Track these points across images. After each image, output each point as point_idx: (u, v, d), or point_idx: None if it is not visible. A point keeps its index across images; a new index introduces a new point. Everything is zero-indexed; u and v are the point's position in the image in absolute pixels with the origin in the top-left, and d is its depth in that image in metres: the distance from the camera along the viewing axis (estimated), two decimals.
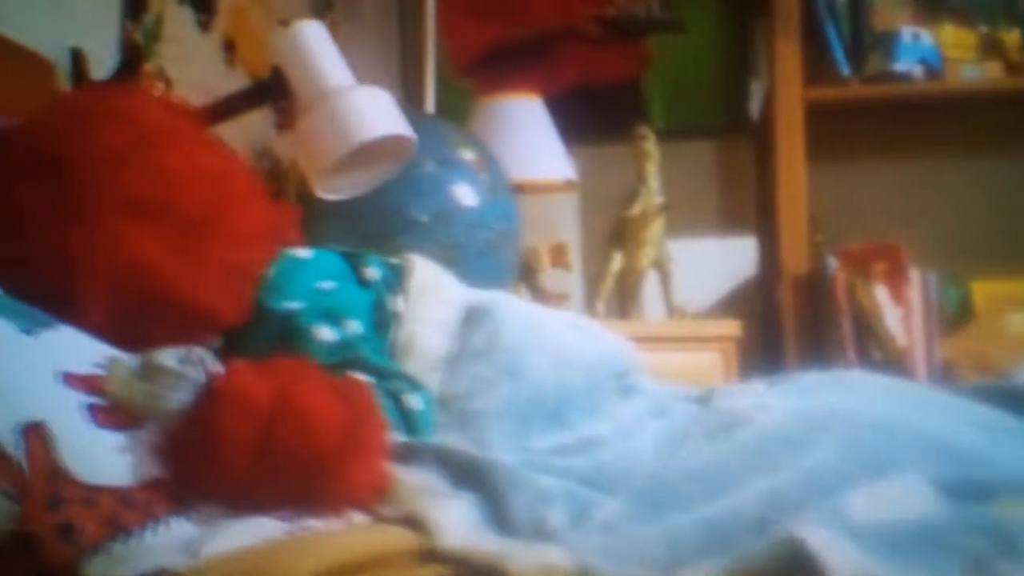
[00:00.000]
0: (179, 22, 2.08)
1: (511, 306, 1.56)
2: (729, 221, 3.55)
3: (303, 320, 1.40)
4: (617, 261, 3.18)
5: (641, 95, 3.51)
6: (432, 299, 1.53)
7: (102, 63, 1.83)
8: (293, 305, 1.42)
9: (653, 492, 1.19)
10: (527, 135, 3.22)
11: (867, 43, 3.24)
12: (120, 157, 1.31)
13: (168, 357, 1.16)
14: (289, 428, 1.13)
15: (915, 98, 3.22)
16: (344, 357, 1.38)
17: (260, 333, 1.38)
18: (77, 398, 1.09)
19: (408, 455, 1.24)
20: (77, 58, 1.74)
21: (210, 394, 1.16)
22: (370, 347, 1.42)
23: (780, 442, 1.20)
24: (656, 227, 3.14)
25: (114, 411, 1.10)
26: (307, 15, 2.70)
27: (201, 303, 1.30)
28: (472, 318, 1.53)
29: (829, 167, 3.28)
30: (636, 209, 3.13)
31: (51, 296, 1.20)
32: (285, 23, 1.79)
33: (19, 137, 1.33)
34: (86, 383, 1.11)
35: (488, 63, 3.47)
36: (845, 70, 3.21)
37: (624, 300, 3.25)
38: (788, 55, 3.20)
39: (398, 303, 1.51)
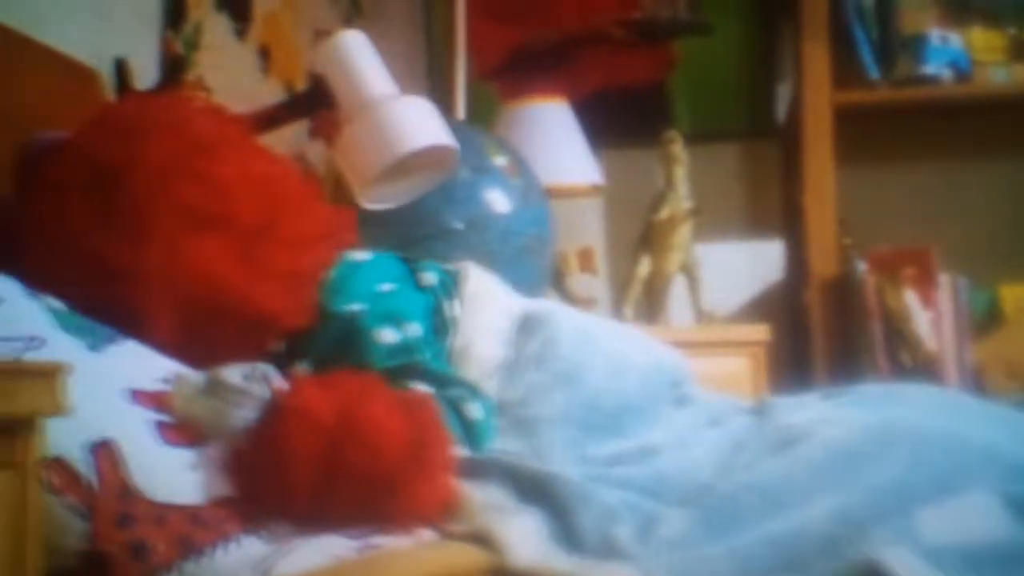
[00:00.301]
0: (217, 30, 2.08)
1: (564, 315, 1.56)
2: (755, 224, 3.54)
3: (365, 322, 1.40)
4: (645, 265, 3.17)
5: (666, 98, 3.50)
6: (487, 307, 1.53)
7: (144, 72, 1.83)
8: (355, 307, 1.42)
9: (718, 507, 1.19)
10: (554, 139, 3.22)
11: (895, 46, 3.23)
12: (175, 168, 1.31)
13: (233, 374, 1.16)
14: (354, 445, 1.13)
15: (944, 101, 3.21)
16: (404, 360, 1.38)
17: (322, 336, 1.38)
18: (145, 415, 1.09)
19: (474, 470, 1.24)
20: (121, 68, 1.74)
21: (275, 411, 1.15)
22: (430, 352, 1.42)
23: (847, 457, 1.19)
24: (684, 231, 3.14)
25: (181, 428, 1.10)
26: (337, 21, 2.70)
27: (264, 308, 1.30)
28: (527, 326, 1.53)
29: (857, 170, 3.27)
30: (664, 213, 3.12)
31: (114, 311, 1.19)
32: (327, 33, 1.78)
33: (71, 150, 1.32)
34: (153, 400, 1.11)
35: (512, 67, 3.46)
36: (874, 73, 3.20)
37: (651, 305, 3.25)
38: (816, 58, 3.19)
39: (455, 308, 1.51)
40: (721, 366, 3.02)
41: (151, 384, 1.12)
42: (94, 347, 1.12)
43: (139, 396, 1.11)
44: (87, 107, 1.60)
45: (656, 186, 3.16)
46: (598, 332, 1.53)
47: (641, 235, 3.18)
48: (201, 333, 1.26)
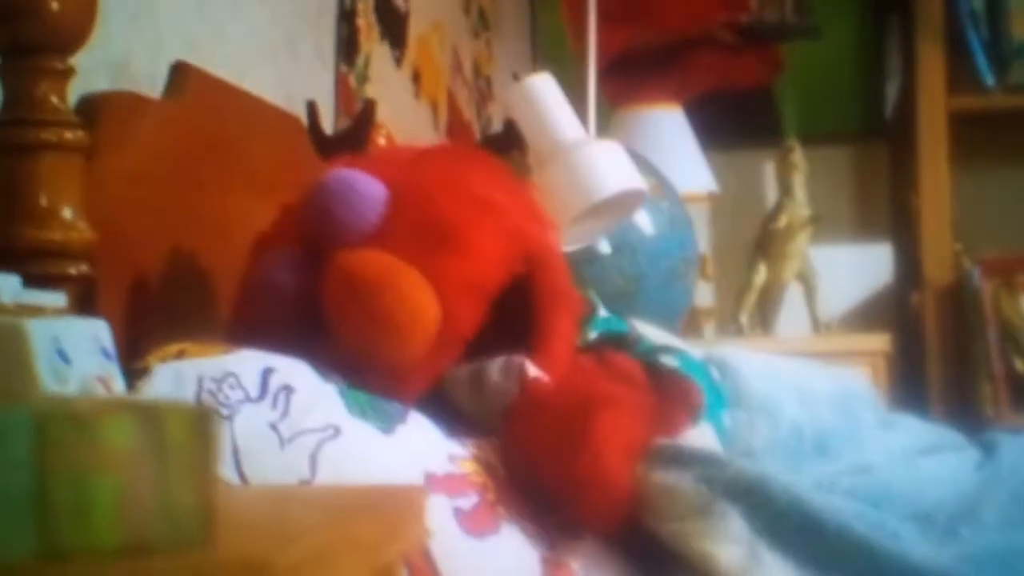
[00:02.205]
0: (381, 60, 2.08)
1: (743, 355, 1.58)
2: (863, 228, 3.55)
3: None
4: (761, 273, 3.17)
5: (774, 101, 3.49)
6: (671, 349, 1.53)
7: (322, 111, 1.82)
8: None
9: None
10: (668, 146, 3.22)
11: (1008, 51, 3.21)
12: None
13: (492, 368, 1.20)
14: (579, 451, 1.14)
15: None
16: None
17: None
18: (444, 502, 1.09)
19: (674, 460, 1.21)
20: (311, 110, 1.73)
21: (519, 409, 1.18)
22: None
23: None
24: (801, 239, 3.13)
25: (478, 515, 1.10)
26: (468, 35, 2.69)
27: None
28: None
29: (970, 175, 3.26)
30: (782, 221, 3.11)
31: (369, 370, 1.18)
32: (517, 77, 1.78)
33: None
34: (448, 484, 1.11)
35: (618, 70, 3.44)
36: (989, 79, 3.18)
37: (765, 313, 3.25)
38: (931, 63, 3.19)
39: None
40: None
41: (442, 466, 1.13)
42: (386, 430, 1.12)
43: (435, 482, 1.11)
44: (298, 157, 1.60)
45: (763, 190, 3.15)
46: (779, 366, 1.54)
47: (757, 242, 3.18)
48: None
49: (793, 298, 3.27)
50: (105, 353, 0.86)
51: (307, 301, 1.18)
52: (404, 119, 2.20)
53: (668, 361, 1.35)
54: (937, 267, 3.22)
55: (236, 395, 1.07)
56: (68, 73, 1.04)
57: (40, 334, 0.80)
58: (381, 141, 1.89)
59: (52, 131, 1.02)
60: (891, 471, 1.38)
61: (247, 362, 1.10)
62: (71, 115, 1.04)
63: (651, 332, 1.56)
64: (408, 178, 1.26)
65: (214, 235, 1.32)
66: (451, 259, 1.21)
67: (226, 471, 1.03)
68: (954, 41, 3.21)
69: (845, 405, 1.46)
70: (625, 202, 1.83)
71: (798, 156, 3.10)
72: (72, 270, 1.04)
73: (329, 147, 1.76)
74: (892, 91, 3.51)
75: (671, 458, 1.19)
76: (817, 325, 3.18)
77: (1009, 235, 3.33)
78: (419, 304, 1.17)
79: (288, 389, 1.09)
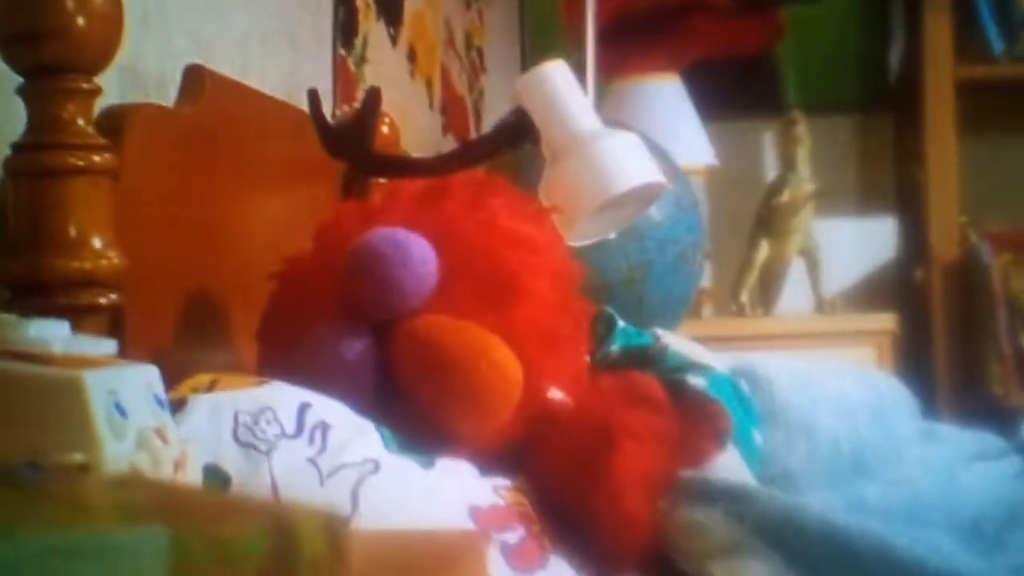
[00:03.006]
0: (378, 40, 2.08)
1: (774, 363, 1.58)
2: (866, 200, 3.55)
3: None
4: (763, 250, 3.18)
5: (774, 69, 3.50)
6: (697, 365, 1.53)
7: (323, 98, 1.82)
8: None
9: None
10: (666, 119, 3.22)
11: (1017, 18, 3.22)
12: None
13: None
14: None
15: None
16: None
17: None
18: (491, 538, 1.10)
19: (702, 494, 1.21)
20: (313, 99, 1.73)
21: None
22: None
23: None
24: (805, 215, 3.15)
25: (525, 550, 1.11)
26: (460, 6, 2.68)
27: None
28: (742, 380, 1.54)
29: (976, 145, 3.28)
30: (785, 196, 3.13)
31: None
32: (529, 66, 1.79)
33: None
34: (493, 519, 1.12)
35: (611, 38, 3.44)
36: (998, 47, 3.19)
37: (766, 291, 3.26)
38: (939, 32, 3.20)
39: None
40: (843, 358, 3.04)
41: (486, 498, 1.13)
42: (425, 464, 1.13)
43: (479, 515, 1.11)
44: (310, 155, 1.60)
45: (763, 162, 3.16)
46: (812, 374, 1.54)
47: (758, 218, 3.20)
48: None
49: (794, 275, 3.29)
50: (159, 401, 0.86)
51: (379, 374, 1.19)
52: (400, 99, 2.20)
53: (694, 381, 1.35)
54: (944, 242, 3.24)
55: (273, 430, 1.07)
56: (95, 93, 1.04)
57: (97, 388, 0.80)
58: (384, 129, 1.88)
59: (80, 155, 1.02)
60: (931, 484, 1.39)
61: (283, 397, 1.10)
62: (99, 137, 1.03)
63: (676, 342, 1.56)
64: (445, 227, 1.26)
65: (235, 250, 1.31)
66: (516, 310, 1.22)
67: None
68: (961, 7, 3.22)
69: (882, 416, 1.46)
70: (643, 195, 1.84)
71: (802, 129, 3.11)
72: (103, 300, 1.03)
73: (335, 139, 1.76)
74: (895, 57, 3.52)
75: (698, 492, 1.19)
76: (821, 304, 3.20)
77: (1018, 208, 3.35)
78: (509, 371, 1.17)
79: (324, 425, 1.10)
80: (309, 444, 1.08)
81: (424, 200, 1.32)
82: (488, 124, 2.87)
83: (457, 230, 1.26)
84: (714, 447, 1.26)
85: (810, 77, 3.51)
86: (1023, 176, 3.44)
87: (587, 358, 1.41)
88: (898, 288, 3.50)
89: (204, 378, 1.10)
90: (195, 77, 1.30)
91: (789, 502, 1.19)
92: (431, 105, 2.41)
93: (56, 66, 1.02)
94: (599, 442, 1.18)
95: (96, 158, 1.03)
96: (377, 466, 1.10)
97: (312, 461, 1.08)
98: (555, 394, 1.25)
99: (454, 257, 1.23)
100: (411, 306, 1.21)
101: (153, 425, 0.84)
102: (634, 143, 1.81)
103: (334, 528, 0.51)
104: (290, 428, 1.08)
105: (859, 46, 3.55)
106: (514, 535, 1.13)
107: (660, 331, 1.60)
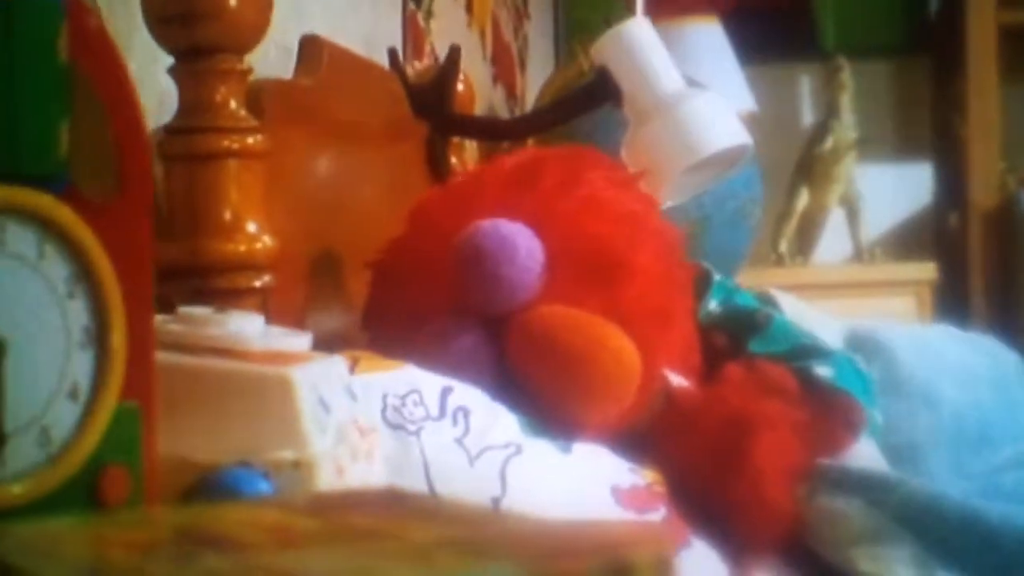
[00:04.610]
0: None
1: (893, 329, 1.59)
2: (903, 147, 3.57)
3: None
4: (804, 198, 3.21)
5: (811, 12, 3.50)
6: (815, 328, 1.55)
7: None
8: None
9: None
10: (707, 64, 3.22)
11: None
12: None
13: None
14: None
15: None
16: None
17: None
18: (634, 518, 1.13)
19: (841, 483, 1.24)
20: (393, 57, 1.74)
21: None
22: None
23: None
24: (847, 163, 3.17)
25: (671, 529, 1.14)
26: None
27: None
28: (861, 348, 1.56)
29: (1017, 92, 3.30)
30: (828, 144, 3.15)
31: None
32: (610, 22, 1.80)
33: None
34: (636, 499, 1.14)
35: None
36: None
37: (804, 240, 3.29)
38: None
39: None
40: (882, 308, 3.08)
41: (626, 479, 1.16)
42: (563, 448, 1.15)
43: (622, 496, 1.14)
44: (403, 118, 1.60)
45: (799, 108, 3.17)
46: (933, 343, 1.56)
47: (798, 166, 3.22)
48: None
49: (831, 223, 3.31)
50: (350, 393, 0.88)
51: (493, 368, 1.21)
52: (463, 53, 2.20)
53: (821, 371, 1.36)
54: (983, 190, 3.27)
55: (419, 412, 1.10)
56: (246, 74, 1.05)
57: (304, 384, 0.82)
58: (460, 87, 1.89)
59: (234, 138, 1.03)
60: None
61: (428, 379, 1.12)
62: (251, 120, 1.05)
63: (785, 302, 1.58)
64: (543, 210, 1.27)
65: (354, 223, 1.33)
66: (625, 289, 1.23)
67: (417, 485, 1.06)
68: None
69: (1003, 385, 1.49)
70: (728, 156, 1.86)
71: (846, 75, 3.13)
72: (256, 282, 1.05)
73: (419, 100, 1.77)
74: (936, 1, 3.54)
75: (837, 481, 1.21)
76: (860, 253, 3.23)
77: None
78: (628, 359, 1.19)
79: (465, 409, 1.12)
80: (453, 426, 1.11)
81: (518, 181, 1.32)
82: (531, 72, 2.88)
83: (556, 212, 1.27)
84: (848, 438, 1.28)
85: (848, 20, 3.52)
86: None
87: (694, 324, 1.43)
88: (935, 236, 3.53)
89: (346, 357, 1.12)
90: (313, 48, 1.31)
91: (930, 490, 1.21)
92: (484, 56, 2.42)
93: (209, 47, 1.03)
94: (737, 431, 1.20)
95: (250, 140, 1.04)
96: (519, 448, 1.12)
97: (459, 442, 1.10)
98: (674, 378, 1.27)
99: (557, 242, 1.24)
100: (521, 301, 1.22)
101: (349, 418, 0.87)
102: (719, 104, 1.83)
103: (666, 565, 0.53)
104: (434, 411, 1.11)
105: None
106: (657, 516, 1.15)
107: (769, 293, 1.61)
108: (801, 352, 1.41)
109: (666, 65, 1.80)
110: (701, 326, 1.49)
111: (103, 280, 0.69)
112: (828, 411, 1.29)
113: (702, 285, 1.65)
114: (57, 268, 0.69)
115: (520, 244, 1.22)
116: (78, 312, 0.69)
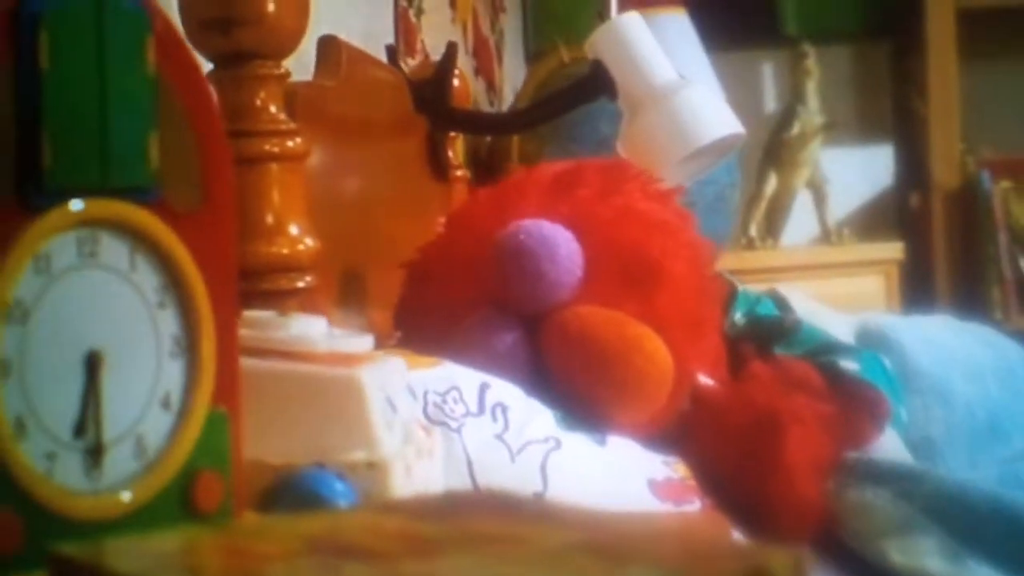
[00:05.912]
0: None
1: (900, 323, 1.59)
2: (864, 129, 3.58)
3: None
4: (772, 183, 3.22)
5: None
6: (826, 323, 1.55)
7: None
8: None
9: None
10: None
11: None
12: None
13: None
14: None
15: None
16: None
17: None
18: (671, 511, 1.13)
19: (869, 475, 1.25)
20: (391, 54, 1.73)
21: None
22: None
23: None
24: (814, 147, 3.19)
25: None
26: None
27: None
28: (871, 344, 1.56)
29: (976, 73, 3.32)
30: (794, 129, 3.16)
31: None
32: (604, 17, 1.79)
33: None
34: (672, 492, 1.14)
35: None
36: None
37: (773, 223, 3.30)
38: None
39: None
40: (850, 287, 3.09)
41: (660, 472, 1.16)
42: (599, 442, 1.15)
43: (658, 488, 1.14)
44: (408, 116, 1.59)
45: (762, 94, 3.18)
46: (939, 336, 1.56)
47: (766, 151, 3.22)
48: None
49: (797, 206, 3.32)
50: (411, 392, 0.88)
51: (530, 366, 1.21)
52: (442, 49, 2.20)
53: (847, 365, 1.37)
54: (944, 170, 3.29)
55: (459, 409, 1.09)
56: (284, 78, 1.04)
57: (372, 384, 0.82)
58: (456, 83, 1.89)
59: (275, 142, 1.02)
60: None
61: (467, 376, 1.12)
62: (290, 123, 1.04)
63: (796, 300, 1.58)
64: (582, 216, 1.27)
65: (376, 222, 1.33)
66: (660, 296, 1.23)
67: (461, 482, 1.06)
68: None
69: (1010, 377, 1.49)
70: (721, 146, 1.86)
71: (811, 62, 3.14)
72: (300, 284, 1.05)
73: (419, 96, 1.76)
74: None
75: (865, 474, 1.22)
76: (828, 234, 3.24)
77: (1016, 136, 3.40)
78: (662, 361, 1.19)
79: (503, 405, 1.12)
80: (493, 422, 1.10)
81: (557, 188, 1.32)
82: (507, 64, 2.87)
83: (595, 219, 1.27)
84: (874, 431, 1.29)
85: (810, 5, 3.51)
86: (1019, 104, 3.49)
87: (722, 336, 1.42)
88: (897, 216, 3.55)
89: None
90: (331, 49, 1.30)
91: (957, 481, 1.22)
92: (467, 50, 2.41)
93: (249, 52, 1.02)
94: (766, 427, 1.20)
95: (290, 143, 1.03)
96: (559, 443, 1.12)
97: (499, 438, 1.10)
98: (702, 378, 1.27)
99: (594, 246, 1.24)
100: (559, 299, 1.22)
101: (413, 417, 0.86)
102: (711, 95, 1.84)
103: (803, 570, 0.53)
104: (474, 407, 1.10)
105: None
106: (692, 508, 1.16)
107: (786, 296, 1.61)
108: (826, 348, 1.42)
109: (658, 57, 1.80)
110: (728, 337, 1.49)
111: (193, 289, 0.69)
112: (853, 404, 1.29)
113: (727, 297, 1.64)
114: (148, 279, 0.68)
115: (560, 244, 1.22)
116: (168, 321, 0.68)
